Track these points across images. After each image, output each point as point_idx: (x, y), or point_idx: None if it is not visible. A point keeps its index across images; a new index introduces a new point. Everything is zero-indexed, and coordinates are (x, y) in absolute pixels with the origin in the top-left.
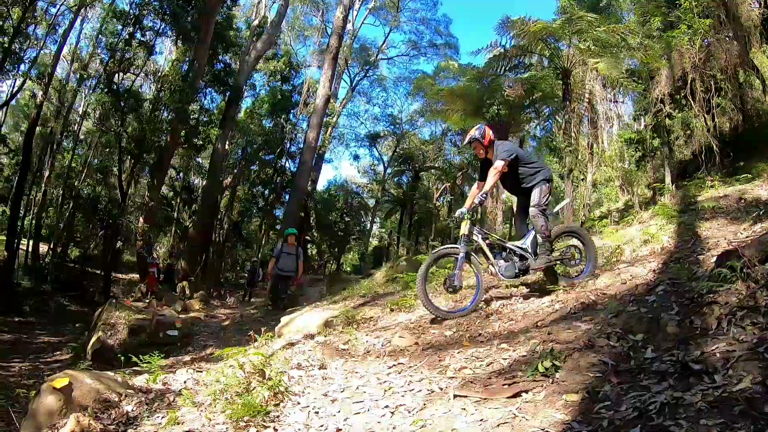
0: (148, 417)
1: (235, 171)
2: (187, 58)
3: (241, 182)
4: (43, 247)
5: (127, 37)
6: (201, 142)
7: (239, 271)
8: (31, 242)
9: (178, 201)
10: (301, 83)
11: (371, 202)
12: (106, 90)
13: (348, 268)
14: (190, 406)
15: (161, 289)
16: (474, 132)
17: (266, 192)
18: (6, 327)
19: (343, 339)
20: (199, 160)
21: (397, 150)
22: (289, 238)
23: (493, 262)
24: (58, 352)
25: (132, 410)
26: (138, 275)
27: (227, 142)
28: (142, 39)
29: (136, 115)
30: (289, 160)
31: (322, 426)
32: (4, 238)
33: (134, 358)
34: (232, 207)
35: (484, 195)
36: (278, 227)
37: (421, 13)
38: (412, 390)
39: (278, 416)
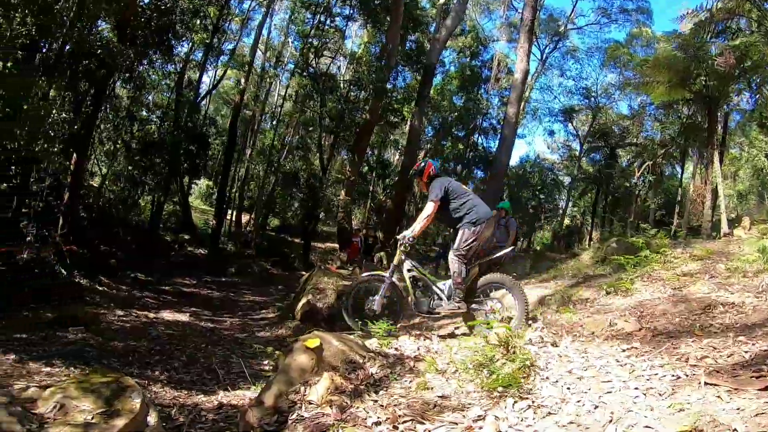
0: (396, 380)
1: (428, 147)
2: (377, 40)
3: (433, 157)
4: (245, 217)
5: (317, 24)
6: (397, 119)
7: (429, 245)
8: (234, 212)
9: (373, 175)
10: (490, 58)
11: (566, 180)
12: (304, 74)
13: (538, 247)
14: (434, 373)
15: (360, 258)
16: (419, 165)
17: (458, 167)
18: (215, 286)
19: (562, 318)
20: (391, 136)
21: (593, 125)
22: (499, 211)
23: (411, 294)
24: (264, 311)
25: (376, 372)
26: (337, 244)
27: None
28: (330, 25)
29: (334, 95)
30: (481, 136)
31: (579, 402)
32: (208, 208)
33: (370, 324)
34: None
35: (412, 239)
36: None
37: None
38: (656, 374)
39: (530, 389)
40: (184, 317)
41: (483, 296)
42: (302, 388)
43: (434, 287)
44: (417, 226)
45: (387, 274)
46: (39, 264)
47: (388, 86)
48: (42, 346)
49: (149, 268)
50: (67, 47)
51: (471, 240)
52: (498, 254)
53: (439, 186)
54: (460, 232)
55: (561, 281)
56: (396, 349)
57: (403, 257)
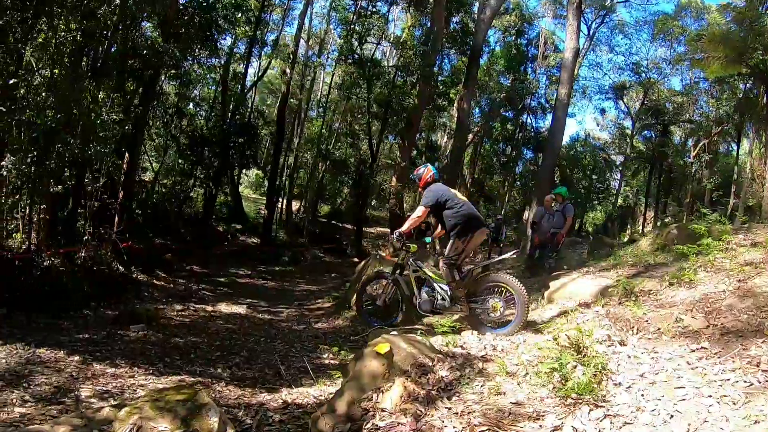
0: (467, 384)
1: (476, 129)
2: (420, 23)
3: (482, 139)
4: (295, 205)
5: (358, 9)
6: (444, 103)
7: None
8: (284, 200)
9: (423, 159)
10: (536, 36)
11: (618, 159)
12: (349, 61)
13: (589, 228)
14: (504, 376)
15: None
16: (419, 170)
17: (508, 148)
18: (269, 276)
19: (626, 312)
20: (439, 119)
21: (645, 102)
22: (556, 197)
23: (416, 293)
24: (319, 301)
25: (446, 375)
26: (388, 229)
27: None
28: (372, 10)
29: (380, 81)
30: (530, 116)
31: (654, 411)
32: (259, 197)
33: (434, 321)
34: (475, 164)
35: (399, 234)
36: (517, 183)
37: None
38: (728, 380)
39: (604, 396)
40: (241, 309)
41: (485, 296)
42: (374, 395)
43: (437, 287)
44: (405, 225)
45: (388, 272)
46: (98, 263)
47: (434, 69)
48: (105, 346)
49: (204, 259)
50: (113, 49)
51: (460, 248)
52: (502, 257)
53: (432, 194)
54: (450, 241)
55: (621, 270)
56: (462, 347)
57: (407, 256)
